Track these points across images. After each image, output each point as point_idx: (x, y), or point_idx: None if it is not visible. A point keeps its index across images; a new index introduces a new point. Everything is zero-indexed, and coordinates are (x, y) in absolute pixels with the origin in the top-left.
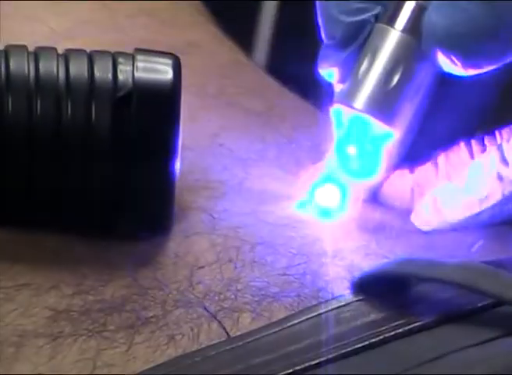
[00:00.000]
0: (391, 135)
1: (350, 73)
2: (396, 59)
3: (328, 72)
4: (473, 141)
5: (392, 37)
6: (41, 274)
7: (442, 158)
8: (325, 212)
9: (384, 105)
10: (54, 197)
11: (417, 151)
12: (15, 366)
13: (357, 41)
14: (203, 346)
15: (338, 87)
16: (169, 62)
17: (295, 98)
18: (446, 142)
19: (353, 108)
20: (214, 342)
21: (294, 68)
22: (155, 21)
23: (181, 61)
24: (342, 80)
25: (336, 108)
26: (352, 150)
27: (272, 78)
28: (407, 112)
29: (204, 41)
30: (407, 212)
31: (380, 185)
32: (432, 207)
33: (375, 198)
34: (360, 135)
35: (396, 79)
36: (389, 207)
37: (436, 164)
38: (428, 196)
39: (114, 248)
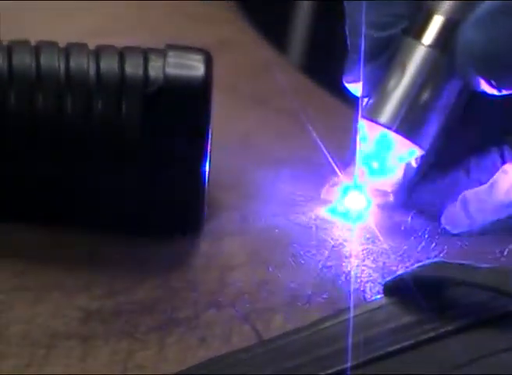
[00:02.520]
0: (416, 152)
1: (377, 87)
2: (425, 76)
3: (354, 85)
4: (504, 147)
5: (420, 53)
6: (73, 275)
7: (473, 163)
8: (356, 215)
9: (411, 122)
10: (84, 197)
11: (449, 156)
12: (46, 367)
13: (383, 56)
14: (235, 348)
15: (363, 101)
16: (201, 58)
17: (328, 98)
18: (478, 147)
19: (380, 124)
20: (245, 344)
21: (328, 68)
22: (187, 19)
23: (212, 56)
24: (367, 94)
25: (361, 123)
26: (375, 165)
27: (306, 78)
28: (434, 129)
29: (237, 39)
30: (438, 216)
31: (411, 189)
32: (461, 210)
33: (405, 202)
34: (383, 151)
35: (424, 96)
36: (420, 211)
37: (467, 169)
38: (458, 200)
39: (145, 249)
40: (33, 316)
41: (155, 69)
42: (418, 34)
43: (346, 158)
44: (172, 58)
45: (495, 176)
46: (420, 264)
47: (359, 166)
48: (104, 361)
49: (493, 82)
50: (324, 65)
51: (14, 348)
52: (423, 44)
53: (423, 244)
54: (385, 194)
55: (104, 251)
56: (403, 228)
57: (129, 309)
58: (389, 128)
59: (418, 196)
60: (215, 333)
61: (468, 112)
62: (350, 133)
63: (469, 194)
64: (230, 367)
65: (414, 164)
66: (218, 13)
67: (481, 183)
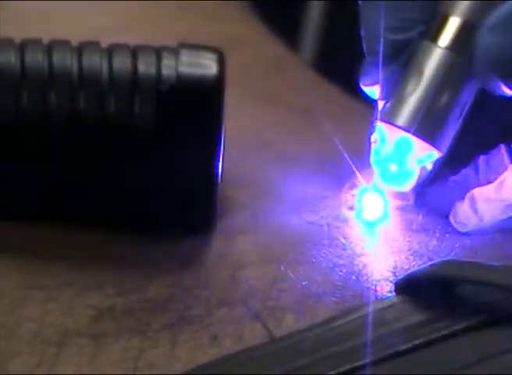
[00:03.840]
0: (434, 155)
1: (394, 90)
2: (442, 78)
3: (371, 88)
4: None
5: (437, 55)
6: (84, 273)
7: (482, 162)
8: (368, 214)
9: (429, 124)
10: (96, 195)
11: (458, 155)
12: (57, 366)
13: (400, 59)
14: (246, 346)
15: (380, 104)
16: (214, 56)
17: (340, 95)
18: (488, 146)
19: (398, 126)
20: (257, 343)
21: (340, 65)
22: (200, 16)
23: (225, 55)
24: (384, 97)
25: (379, 126)
26: (393, 167)
27: (318, 75)
28: (452, 132)
29: (249, 36)
30: (447, 214)
31: (422, 189)
32: (470, 208)
33: (416, 201)
34: (402, 154)
35: (441, 98)
36: (430, 209)
37: (477, 167)
38: (466, 198)
39: (157, 247)
40: (45, 314)
41: (168, 67)
42: (435, 37)
43: (358, 156)
44: (185, 56)
45: (503, 175)
46: (431, 262)
47: (375, 169)
48: (115, 359)
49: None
50: (336, 62)
51: (25, 346)
52: (439, 47)
53: (434, 242)
54: (402, 195)
55: (116, 249)
56: (414, 226)
57: (141, 307)
58: (407, 131)
59: (429, 195)
60: (226, 331)
61: (477, 110)
62: (363, 130)
63: (477, 192)
64: (241, 365)
65: (429, 167)
66: (230, 11)
67: (489, 182)
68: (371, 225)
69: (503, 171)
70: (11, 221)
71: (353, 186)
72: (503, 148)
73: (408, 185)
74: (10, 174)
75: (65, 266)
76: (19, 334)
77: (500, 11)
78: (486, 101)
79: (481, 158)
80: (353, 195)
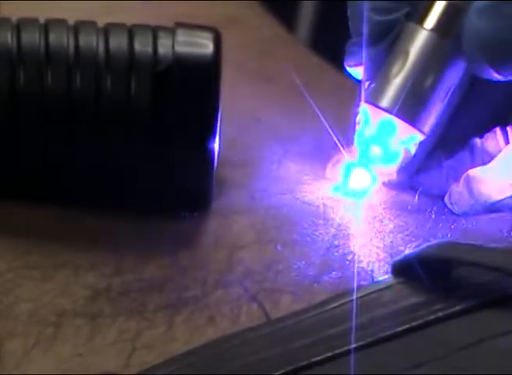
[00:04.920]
0: (418, 137)
1: (380, 72)
2: (427, 60)
3: (355, 69)
4: (509, 128)
5: (422, 37)
6: (80, 254)
7: (477, 144)
8: (363, 194)
9: (412, 107)
10: (92, 173)
11: (453, 137)
12: (54, 346)
13: (385, 40)
14: (243, 328)
15: (365, 85)
16: (210, 36)
17: (336, 74)
18: (483, 128)
19: (381, 108)
20: (253, 324)
21: (336, 44)
22: None
23: (221, 34)
24: (369, 78)
25: (363, 107)
26: (376, 149)
27: (313, 54)
28: (435, 114)
29: (245, 15)
30: (443, 196)
31: (416, 170)
32: (465, 190)
33: (410, 182)
34: (385, 135)
35: (425, 80)
36: (425, 191)
37: (472, 149)
38: (462, 179)
39: (153, 228)
40: (41, 294)
41: (164, 46)
42: (421, 19)
43: (350, 137)
44: (181, 36)
45: (498, 156)
46: (428, 244)
47: (360, 147)
48: (112, 340)
49: (499, 68)
50: (332, 41)
51: (22, 326)
52: (425, 29)
53: (430, 223)
54: (389, 172)
55: (112, 229)
56: (409, 208)
57: (138, 288)
58: (389, 112)
59: (424, 176)
60: (223, 312)
61: (472, 93)
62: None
63: (472, 173)
64: (238, 346)
65: (412, 149)
66: None
67: (484, 164)
68: (366, 205)
69: (498, 153)
70: (6, 201)
71: (345, 165)
72: (498, 130)
73: (392, 166)
74: (6, 153)
75: (61, 247)
76: (15, 314)
77: None
78: (479, 83)
79: (476, 141)
80: (346, 175)
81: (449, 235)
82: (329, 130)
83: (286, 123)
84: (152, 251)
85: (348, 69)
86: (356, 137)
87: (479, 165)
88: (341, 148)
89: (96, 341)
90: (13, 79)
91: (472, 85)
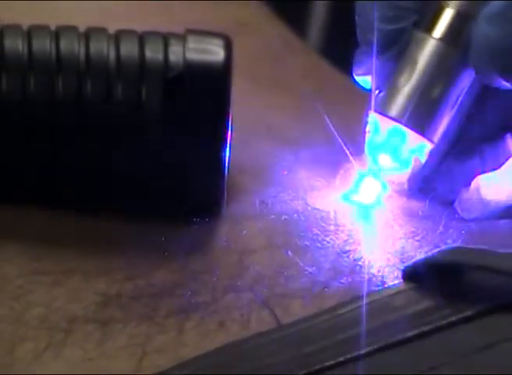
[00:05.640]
0: (426, 145)
1: (387, 80)
2: (435, 69)
3: (364, 78)
4: None
5: (430, 46)
6: (91, 259)
7: (487, 150)
8: (374, 200)
9: (420, 115)
10: (104, 179)
11: (463, 143)
12: (64, 351)
13: (393, 49)
14: (253, 333)
15: (373, 94)
16: (221, 42)
17: (347, 81)
18: (493, 135)
19: (389, 117)
20: (264, 329)
21: (347, 51)
22: (206, 2)
23: (232, 41)
24: (377, 87)
25: (372, 116)
26: (385, 158)
27: (324, 61)
28: (444, 122)
29: (255, 21)
30: (453, 202)
31: (427, 177)
32: (475, 196)
33: (420, 189)
34: (395, 144)
35: (434, 89)
36: (436, 197)
37: (482, 155)
38: (472, 186)
39: (164, 233)
40: (52, 300)
41: (175, 53)
42: (429, 28)
43: (360, 144)
44: (192, 43)
45: (507, 163)
46: (438, 249)
47: (370, 156)
48: (122, 345)
49: (509, 77)
50: (342, 48)
51: (32, 331)
52: (433, 38)
53: (440, 229)
54: (400, 180)
55: (123, 235)
56: (420, 213)
57: (148, 293)
58: (398, 121)
59: (435, 182)
60: (233, 317)
61: (483, 100)
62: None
63: (482, 180)
64: (249, 352)
65: (422, 157)
66: None
67: (494, 170)
68: (377, 211)
69: (508, 159)
70: (17, 207)
71: (356, 172)
72: (509, 136)
73: (402, 174)
74: (18, 159)
75: (72, 252)
76: (26, 320)
77: (494, 3)
78: (489, 90)
79: (487, 147)
80: (358, 181)
81: (459, 241)
82: (339, 139)
83: (297, 129)
84: (163, 257)
85: (356, 78)
86: (366, 146)
87: (489, 171)
88: (351, 157)
89: (107, 346)
90: (24, 86)
91: (482, 92)
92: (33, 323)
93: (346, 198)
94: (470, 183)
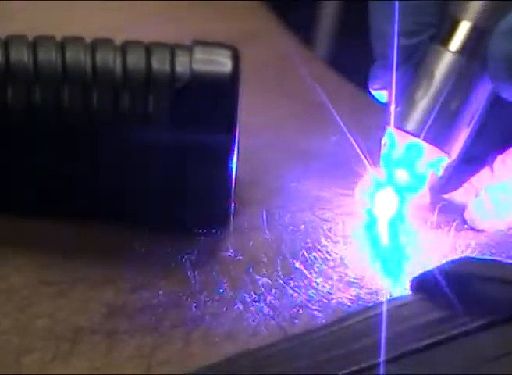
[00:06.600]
0: (444, 160)
1: (405, 95)
2: (452, 82)
3: (380, 92)
4: None
5: (447, 59)
6: (97, 269)
7: (497, 161)
8: (383, 211)
9: (438, 130)
10: (110, 191)
11: (475, 154)
12: (71, 361)
13: (410, 62)
14: (260, 344)
15: (390, 108)
16: (228, 53)
17: (355, 91)
18: (503, 145)
19: (407, 132)
20: (271, 340)
21: (355, 60)
22: (214, 12)
23: (240, 52)
24: (393, 101)
25: (389, 130)
26: (402, 173)
27: (332, 70)
28: (463, 136)
29: (264, 31)
30: (462, 212)
31: (443, 189)
32: (483, 206)
33: (431, 199)
34: (412, 158)
35: (451, 103)
36: (445, 207)
37: (492, 166)
38: (480, 195)
39: (171, 244)
40: (58, 310)
41: (182, 64)
42: (445, 41)
43: (373, 153)
44: (199, 54)
45: None
46: (447, 260)
47: (386, 170)
48: (128, 356)
49: None
50: (350, 57)
51: (39, 342)
52: (450, 51)
53: (450, 239)
54: (417, 196)
55: (129, 245)
56: (429, 224)
57: (154, 304)
58: (415, 136)
59: (444, 193)
60: (240, 328)
61: (494, 111)
62: (377, 127)
63: (491, 189)
64: (256, 363)
65: (440, 171)
66: (244, 6)
67: (503, 180)
68: (386, 222)
69: None
70: (21, 217)
71: (368, 183)
72: None
73: (419, 189)
74: (24, 168)
75: (78, 262)
76: (32, 330)
77: (510, 16)
78: (500, 101)
79: (497, 157)
80: (367, 193)
81: (468, 251)
82: (351, 146)
83: (305, 139)
84: (169, 267)
85: (372, 92)
86: (382, 160)
87: (498, 181)
88: (361, 168)
89: (113, 356)
90: (30, 97)
91: (493, 103)
92: (39, 333)
93: (354, 209)
94: (479, 194)
